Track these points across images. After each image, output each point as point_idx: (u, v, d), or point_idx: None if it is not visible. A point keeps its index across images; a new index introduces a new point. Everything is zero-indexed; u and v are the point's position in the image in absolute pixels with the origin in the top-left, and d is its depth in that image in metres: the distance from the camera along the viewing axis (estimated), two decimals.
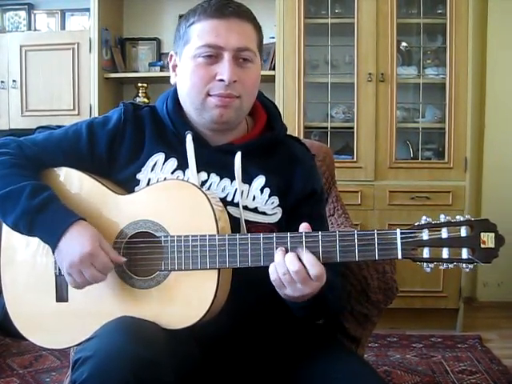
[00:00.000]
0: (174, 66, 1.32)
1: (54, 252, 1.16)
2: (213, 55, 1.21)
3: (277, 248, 1.11)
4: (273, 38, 3.19)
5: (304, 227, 1.12)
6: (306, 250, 1.10)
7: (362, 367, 1.21)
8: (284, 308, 1.33)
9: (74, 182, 1.26)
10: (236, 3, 1.25)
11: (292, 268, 1.08)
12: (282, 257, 1.09)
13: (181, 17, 3.97)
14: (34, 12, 3.76)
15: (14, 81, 3.41)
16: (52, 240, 1.15)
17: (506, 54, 3.54)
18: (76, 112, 3.36)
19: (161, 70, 3.53)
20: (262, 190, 1.28)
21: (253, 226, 1.25)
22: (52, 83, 3.39)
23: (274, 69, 3.19)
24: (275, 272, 1.10)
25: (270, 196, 1.28)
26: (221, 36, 1.21)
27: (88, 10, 3.43)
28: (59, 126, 1.35)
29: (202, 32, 1.22)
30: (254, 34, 1.26)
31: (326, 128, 3.26)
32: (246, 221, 1.24)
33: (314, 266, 1.08)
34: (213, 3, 1.23)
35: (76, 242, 1.13)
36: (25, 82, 3.41)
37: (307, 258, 1.09)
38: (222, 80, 1.20)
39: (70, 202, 1.21)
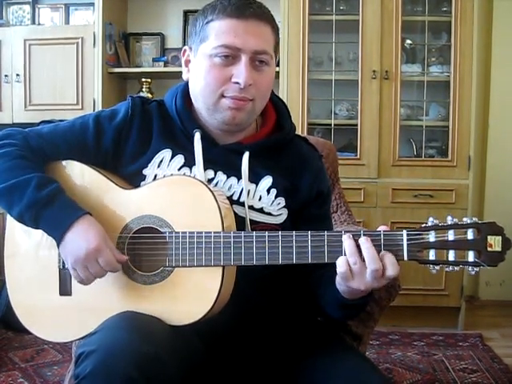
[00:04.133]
0: (187, 62, 1.29)
1: (58, 246, 1.16)
2: (229, 56, 1.19)
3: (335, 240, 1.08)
4: None
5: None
6: (387, 251, 1.07)
7: (363, 364, 1.20)
8: (287, 305, 1.33)
9: (79, 175, 1.25)
10: (257, 3, 1.22)
11: (373, 266, 1.05)
12: (355, 246, 1.07)
13: (185, 12, 3.96)
14: (38, 6, 3.76)
15: (17, 75, 3.41)
16: (57, 234, 1.14)
17: (510, 53, 3.53)
18: (79, 106, 3.36)
19: (164, 66, 3.53)
20: (268, 191, 1.27)
21: (258, 226, 1.24)
22: (56, 77, 3.39)
23: (278, 65, 3.18)
24: (345, 264, 1.06)
25: (276, 197, 1.27)
26: (239, 37, 1.18)
27: (92, 4, 3.43)
28: (62, 121, 1.34)
29: (219, 31, 1.19)
30: (272, 37, 1.23)
31: (330, 125, 3.26)
32: (250, 221, 1.24)
33: (393, 266, 1.05)
34: (233, 1, 1.19)
35: (82, 237, 1.13)
36: (28, 76, 3.41)
37: (388, 258, 1.06)
38: (237, 83, 1.18)
39: (75, 196, 1.20)
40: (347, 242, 1.08)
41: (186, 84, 1.31)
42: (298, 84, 3.17)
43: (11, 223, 1.27)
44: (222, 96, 1.21)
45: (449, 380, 2.46)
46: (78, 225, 1.14)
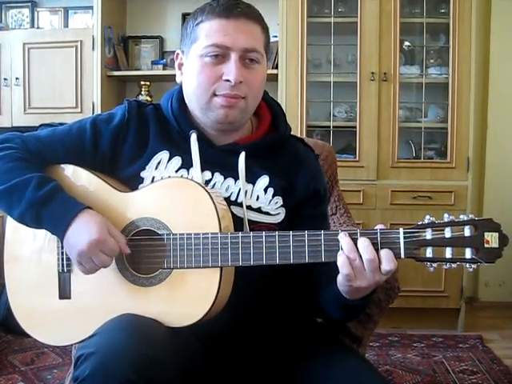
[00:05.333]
0: (180, 65, 1.31)
1: (62, 242, 1.16)
2: (220, 55, 1.21)
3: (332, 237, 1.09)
4: (275, 36, 3.18)
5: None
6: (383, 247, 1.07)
7: (363, 366, 1.20)
8: (286, 306, 1.34)
9: (77, 178, 1.26)
10: (245, 3, 1.24)
11: (367, 256, 1.05)
12: (351, 242, 1.07)
13: (184, 15, 3.98)
14: (38, 10, 3.76)
15: (16, 78, 3.41)
16: (59, 230, 1.15)
17: (508, 54, 3.54)
18: (79, 110, 3.36)
19: (163, 69, 3.53)
20: (265, 190, 1.27)
21: (256, 226, 1.24)
22: (55, 81, 3.39)
23: (276, 68, 3.19)
24: (348, 265, 1.07)
25: (273, 196, 1.28)
26: (229, 36, 1.20)
27: (91, 7, 3.43)
28: (62, 124, 1.35)
29: (209, 31, 1.21)
30: (262, 35, 1.25)
31: (329, 127, 3.26)
32: (249, 221, 1.24)
33: (389, 262, 1.06)
34: (221, 2, 1.22)
35: (84, 229, 1.13)
36: (28, 79, 3.41)
37: (384, 252, 1.06)
38: (228, 80, 1.20)
39: None
40: (344, 239, 1.08)
41: (182, 87, 1.31)
42: (297, 86, 3.17)
43: (11, 227, 1.27)
44: (214, 95, 1.22)
45: (449, 382, 2.46)
46: (80, 218, 1.14)
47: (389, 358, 2.74)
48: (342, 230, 1.10)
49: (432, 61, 3.31)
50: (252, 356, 1.26)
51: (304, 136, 3.03)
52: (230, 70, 1.20)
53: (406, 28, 3.21)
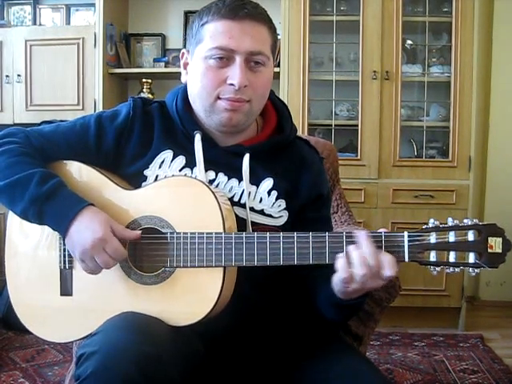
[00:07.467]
0: (186, 64, 1.29)
1: (64, 239, 1.16)
2: (224, 58, 1.19)
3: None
4: (278, 34, 3.18)
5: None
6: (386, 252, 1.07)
7: (364, 365, 1.20)
8: (287, 306, 1.33)
9: (80, 175, 1.25)
10: (252, 3, 1.22)
11: (371, 263, 1.05)
12: (365, 256, 1.06)
13: (186, 13, 3.96)
14: (39, 7, 3.76)
15: (18, 75, 3.41)
16: (62, 226, 1.14)
17: (511, 53, 3.53)
18: (80, 107, 3.36)
19: (165, 66, 3.53)
20: (269, 193, 1.27)
21: (258, 228, 1.24)
22: (56, 78, 3.39)
23: (278, 66, 3.18)
24: (345, 269, 1.06)
25: (277, 199, 1.27)
26: (234, 39, 1.18)
27: (93, 5, 3.43)
28: (63, 121, 1.35)
29: (214, 33, 1.19)
30: (269, 37, 1.23)
31: (330, 126, 3.26)
32: (251, 222, 1.24)
33: (391, 268, 1.05)
34: (227, 3, 1.19)
35: (87, 227, 1.12)
36: (29, 76, 3.41)
37: (387, 258, 1.05)
38: (232, 84, 1.19)
39: None
40: (355, 253, 1.07)
41: (187, 86, 1.31)
42: (299, 84, 3.17)
43: (12, 223, 1.27)
44: (218, 98, 1.21)
45: (449, 381, 2.46)
46: (82, 216, 1.13)
47: (389, 356, 2.74)
48: (346, 233, 1.09)
49: (434, 60, 3.31)
50: (253, 355, 1.26)
51: (306, 134, 3.03)
52: (235, 73, 1.18)
53: (409, 27, 3.20)
